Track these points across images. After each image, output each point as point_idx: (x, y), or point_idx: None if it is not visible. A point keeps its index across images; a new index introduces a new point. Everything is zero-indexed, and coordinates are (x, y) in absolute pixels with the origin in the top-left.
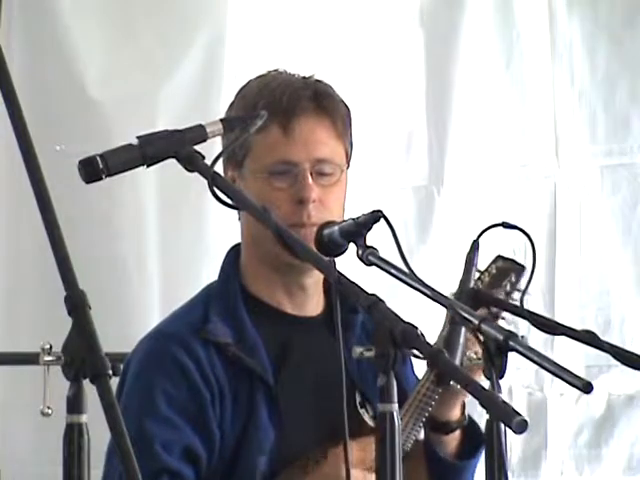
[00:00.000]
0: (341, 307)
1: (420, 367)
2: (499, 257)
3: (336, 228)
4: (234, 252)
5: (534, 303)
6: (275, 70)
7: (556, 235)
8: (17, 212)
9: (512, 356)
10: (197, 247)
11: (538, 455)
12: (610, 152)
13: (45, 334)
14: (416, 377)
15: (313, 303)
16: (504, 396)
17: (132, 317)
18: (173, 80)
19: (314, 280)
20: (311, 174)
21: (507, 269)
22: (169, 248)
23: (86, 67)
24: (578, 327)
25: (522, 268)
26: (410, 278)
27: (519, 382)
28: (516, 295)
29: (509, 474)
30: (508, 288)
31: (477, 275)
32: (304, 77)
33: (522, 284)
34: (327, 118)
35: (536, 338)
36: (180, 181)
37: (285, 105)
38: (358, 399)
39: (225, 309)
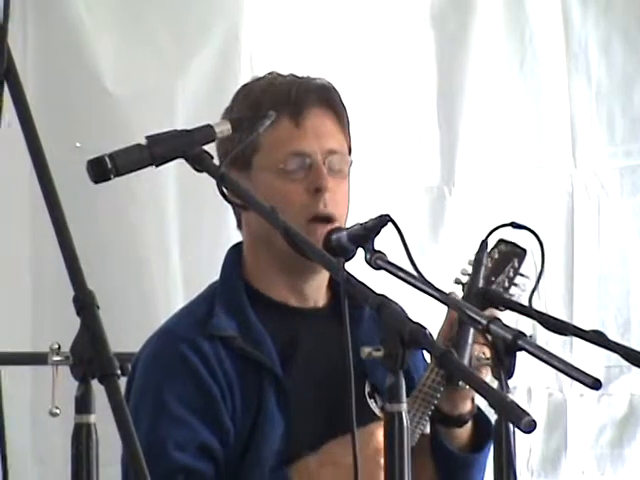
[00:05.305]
0: (349, 300)
1: None
2: (501, 241)
3: (344, 233)
4: (236, 251)
5: (553, 304)
6: (270, 73)
7: (574, 236)
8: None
9: (531, 357)
10: (219, 241)
11: (558, 455)
12: (629, 153)
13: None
14: (426, 362)
15: (318, 296)
16: (524, 397)
17: (155, 313)
18: (191, 74)
19: (323, 277)
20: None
21: (510, 254)
22: (191, 243)
23: (103, 63)
24: (598, 328)
25: (524, 252)
26: (418, 281)
27: (539, 383)
28: (519, 279)
29: (529, 474)
30: (511, 274)
31: None
32: (300, 77)
33: (524, 268)
34: (332, 111)
35: (555, 339)
36: (199, 174)
37: (294, 98)
38: (367, 389)
39: (229, 304)
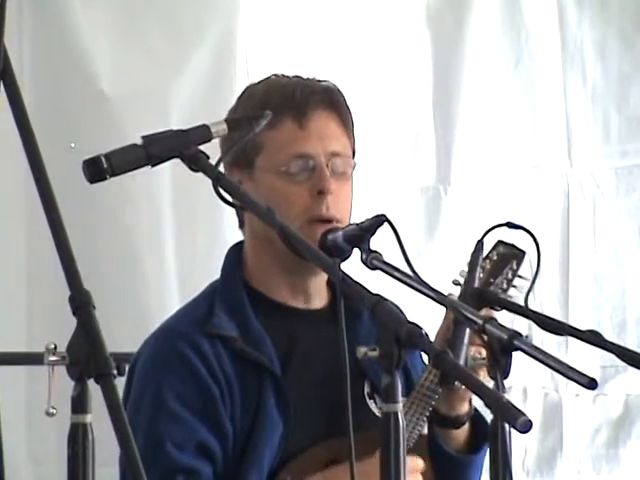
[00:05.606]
0: (347, 300)
1: None
2: (500, 242)
3: (340, 233)
4: (236, 250)
5: (548, 304)
6: (275, 75)
7: (569, 236)
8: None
9: (527, 357)
10: (214, 242)
11: (554, 455)
12: (625, 153)
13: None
14: (424, 363)
15: (318, 297)
16: (519, 397)
17: (150, 313)
18: (186, 75)
19: (322, 278)
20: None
21: (508, 255)
22: (185, 243)
23: (98, 64)
24: (594, 328)
25: (523, 254)
26: (414, 281)
27: (534, 383)
28: (517, 281)
29: (524, 474)
30: (509, 275)
31: None
32: (304, 78)
33: (522, 270)
34: (337, 114)
35: (551, 339)
36: (195, 174)
37: (299, 99)
38: (367, 389)
39: (229, 304)
